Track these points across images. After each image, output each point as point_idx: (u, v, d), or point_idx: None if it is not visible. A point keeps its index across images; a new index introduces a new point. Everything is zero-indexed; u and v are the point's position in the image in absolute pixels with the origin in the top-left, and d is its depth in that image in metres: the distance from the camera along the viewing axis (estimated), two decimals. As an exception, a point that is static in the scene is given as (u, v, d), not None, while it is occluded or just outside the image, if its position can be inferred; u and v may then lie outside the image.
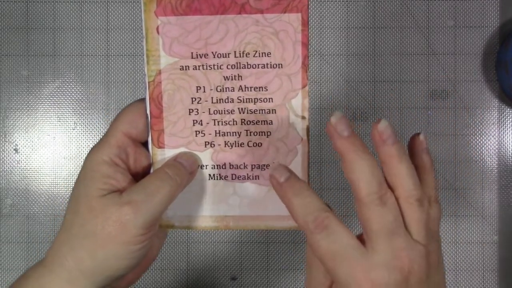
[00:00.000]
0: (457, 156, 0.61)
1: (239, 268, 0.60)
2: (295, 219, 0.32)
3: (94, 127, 0.60)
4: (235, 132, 0.34)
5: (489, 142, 0.61)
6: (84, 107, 0.61)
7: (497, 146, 0.60)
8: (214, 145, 0.35)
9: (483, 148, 0.61)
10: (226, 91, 0.34)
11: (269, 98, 0.34)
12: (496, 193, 0.60)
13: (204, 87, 0.34)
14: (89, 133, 0.60)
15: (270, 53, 0.33)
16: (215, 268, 0.60)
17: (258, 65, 0.34)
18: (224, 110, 0.34)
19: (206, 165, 0.35)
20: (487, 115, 0.61)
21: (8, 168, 0.60)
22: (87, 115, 0.61)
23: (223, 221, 0.35)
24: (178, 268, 0.60)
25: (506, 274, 0.60)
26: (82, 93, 0.61)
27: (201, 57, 0.33)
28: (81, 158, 0.60)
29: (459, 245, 0.60)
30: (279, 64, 0.34)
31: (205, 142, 0.34)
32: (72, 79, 0.61)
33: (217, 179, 0.35)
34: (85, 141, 0.60)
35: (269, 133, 0.34)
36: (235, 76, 0.34)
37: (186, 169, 0.34)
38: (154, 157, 0.35)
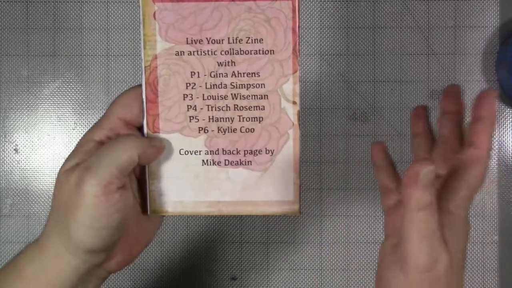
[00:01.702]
0: (457, 156, 0.60)
1: (239, 268, 0.60)
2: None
3: (94, 127, 0.61)
4: (228, 118, 0.35)
5: (489, 142, 0.60)
6: (84, 107, 0.61)
7: (497, 146, 0.60)
8: (207, 130, 0.35)
9: (483, 148, 0.60)
10: (219, 76, 0.34)
11: (261, 84, 0.35)
12: (496, 193, 0.60)
13: (198, 72, 0.34)
14: (89, 133, 0.60)
15: (262, 40, 0.34)
16: (215, 268, 0.60)
17: (251, 51, 0.34)
18: (218, 96, 0.35)
19: (199, 151, 0.35)
20: (487, 115, 0.61)
21: (8, 168, 0.60)
22: (87, 115, 0.61)
23: (216, 207, 0.36)
24: (178, 268, 0.60)
25: (506, 274, 0.60)
26: (82, 93, 0.61)
27: (195, 43, 0.34)
28: (81, 158, 0.60)
29: (459, 245, 0.60)
30: (271, 50, 0.34)
31: (199, 127, 0.35)
32: (72, 79, 0.61)
33: (210, 164, 0.35)
34: (85, 141, 0.60)
35: (261, 119, 0.35)
36: (228, 62, 0.34)
37: (143, 140, 0.34)
38: None
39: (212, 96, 0.35)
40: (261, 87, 0.35)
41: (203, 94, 0.35)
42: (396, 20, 0.61)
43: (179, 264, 0.60)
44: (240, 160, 0.35)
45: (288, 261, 0.60)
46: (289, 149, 0.35)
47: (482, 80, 0.61)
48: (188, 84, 0.35)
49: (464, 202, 0.35)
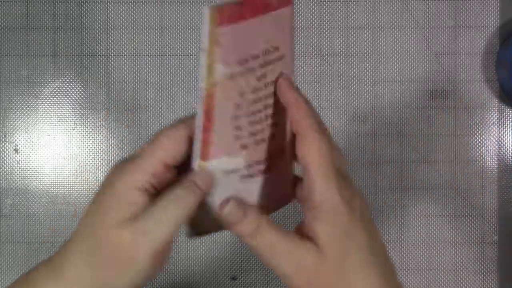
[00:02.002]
0: (457, 156, 0.61)
1: (239, 268, 0.60)
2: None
3: (94, 127, 0.60)
4: (261, 129, 0.35)
5: (489, 142, 0.61)
6: (84, 107, 0.61)
7: (497, 146, 0.60)
8: (247, 146, 0.34)
9: (483, 148, 0.61)
10: (258, 91, 0.34)
11: None
12: (496, 193, 0.60)
13: (244, 92, 0.33)
14: (89, 133, 0.60)
15: (279, 47, 0.34)
16: (215, 268, 0.60)
17: (273, 60, 0.34)
18: (256, 110, 0.34)
19: (240, 168, 0.34)
20: (487, 115, 0.61)
21: (8, 168, 0.60)
22: (87, 115, 0.61)
23: None
24: (178, 268, 0.60)
25: (506, 274, 0.60)
26: (82, 93, 0.61)
27: (244, 63, 0.33)
28: (81, 158, 0.60)
29: (459, 245, 0.60)
30: (284, 55, 0.35)
31: (241, 145, 0.34)
32: (72, 79, 0.61)
33: (247, 178, 0.35)
34: (85, 141, 0.60)
35: (277, 123, 0.35)
36: (263, 75, 0.34)
37: (201, 189, 0.33)
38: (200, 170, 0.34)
39: (253, 112, 0.34)
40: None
41: (246, 112, 0.34)
42: (396, 20, 0.61)
43: (179, 264, 0.60)
44: (266, 167, 0.36)
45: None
46: (290, 144, 0.36)
47: (482, 80, 0.61)
48: (237, 105, 0.33)
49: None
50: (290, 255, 0.32)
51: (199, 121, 0.32)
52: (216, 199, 0.34)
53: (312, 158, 0.32)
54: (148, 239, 0.31)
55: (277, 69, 0.34)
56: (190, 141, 0.33)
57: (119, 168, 0.33)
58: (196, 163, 0.33)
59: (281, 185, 0.37)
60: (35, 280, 0.34)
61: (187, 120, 0.33)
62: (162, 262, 0.33)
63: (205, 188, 0.33)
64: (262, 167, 0.36)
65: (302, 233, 0.33)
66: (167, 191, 0.33)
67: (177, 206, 0.32)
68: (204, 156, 0.33)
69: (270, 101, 0.35)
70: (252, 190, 0.36)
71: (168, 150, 0.33)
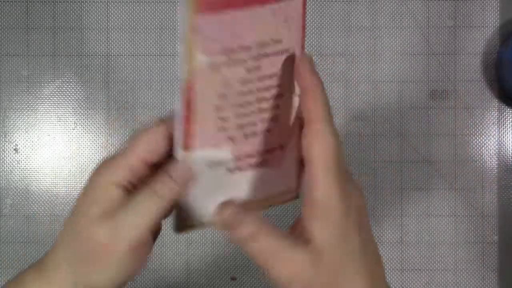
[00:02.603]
0: (457, 156, 0.61)
1: (239, 268, 0.60)
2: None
3: (94, 127, 0.60)
4: (252, 122, 0.34)
5: (489, 142, 0.61)
6: (84, 107, 0.61)
7: (497, 146, 0.60)
8: (234, 139, 0.34)
9: (483, 148, 0.61)
10: (247, 83, 0.33)
11: (279, 84, 0.34)
12: (496, 193, 0.60)
13: (230, 83, 0.32)
14: (89, 133, 0.60)
15: (282, 40, 0.33)
16: (215, 268, 0.60)
17: (273, 53, 0.33)
18: (245, 103, 0.33)
19: (226, 161, 0.34)
20: (487, 115, 0.61)
21: (8, 168, 0.60)
22: (87, 115, 0.61)
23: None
24: (178, 268, 0.60)
25: (506, 274, 0.60)
26: (82, 93, 0.61)
27: (229, 53, 0.32)
28: (81, 158, 0.60)
29: (459, 245, 0.60)
30: (287, 49, 0.34)
31: (228, 137, 0.33)
32: (72, 79, 0.61)
33: (234, 171, 0.34)
34: (85, 141, 0.60)
35: (276, 118, 0.34)
36: (255, 67, 0.33)
37: (177, 184, 0.33)
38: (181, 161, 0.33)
39: (241, 104, 0.33)
40: (279, 86, 0.34)
41: (233, 103, 0.33)
42: (396, 20, 0.61)
43: (179, 264, 0.60)
44: (259, 161, 0.35)
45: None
46: (292, 144, 0.35)
47: (482, 80, 0.60)
48: (220, 95, 0.32)
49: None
50: (288, 262, 0.31)
51: (179, 110, 0.32)
52: (198, 192, 0.34)
53: (318, 151, 0.31)
54: (124, 234, 0.31)
55: (279, 63, 0.33)
56: (169, 139, 0.33)
57: (101, 165, 0.33)
58: (179, 153, 0.33)
59: (284, 180, 0.36)
60: (24, 281, 0.35)
61: (167, 119, 0.33)
62: (142, 259, 0.33)
63: (181, 182, 0.33)
64: (253, 160, 0.35)
65: (298, 230, 0.33)
66: (143, 186, 0.33)
67: (151, 201, 0.32)
68: (186, 146, 0.32)
69: (267, 94, 0.34)
70: (241, 183, 0.35)
71: (146, 146, 0.33)
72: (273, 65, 0.33)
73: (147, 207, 0.32)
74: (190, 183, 0.33)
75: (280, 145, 0.35)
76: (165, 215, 0.34)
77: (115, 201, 0.32)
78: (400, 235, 0.60)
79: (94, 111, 0.60)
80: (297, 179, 0.36)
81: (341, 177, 0.32)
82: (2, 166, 0.60)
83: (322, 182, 0.31)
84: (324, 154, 0.31)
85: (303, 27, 0.34)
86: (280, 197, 0.36)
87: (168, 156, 0.34)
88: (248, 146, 0.34)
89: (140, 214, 0.32)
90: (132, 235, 0.32)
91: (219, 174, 0.34)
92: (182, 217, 0.35)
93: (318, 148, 0.31)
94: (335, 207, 0.31)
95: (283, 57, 0.34)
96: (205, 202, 0.34)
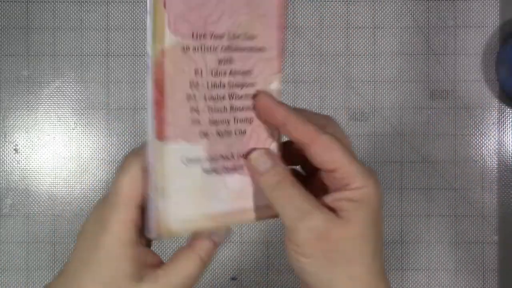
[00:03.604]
0: (457, 156, 0.61)
1: (239, 268, 0.60)
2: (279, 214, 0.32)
3: (94, 127, 0.60)
4: (225, 120, 0.32)
5: (489, 142, 0.61)
6: (84, 107, 0.61)
7: (497, 146, 0.60)
8: (208, 135, 0.32)
9: (483, 148, 0.61)
10: (219, 75, 0.32)
11: (253, 83, 0.33)
12: (496, 193, 0.60)
13: (201, 70, 0.31)
14: (89, 133, 0.60)
15: (256, 36, 0.32)
16: (215, 268, 0.60)
17: (245, 48, 0.32)
18: (217, 96, 0.32)
19: (200, 159, 0.32)
20: (487, 115, 0.61)
21: (8, 168, 0.60)
22: (87, 115, 0.61)
23: (219, 220, 0.34)
24: (178, 268, 0.60)
25: (506, 274, 0.60)
26: (82, 93, 0.61)
27: (200, 38, 0.31)
28: (81, 158, 0.60)
29: (459, 245, 0.60)
30: (262, 48, 0.33)
31: (200, 131, 0.32)
32: (72, 79, 0.61)
33: (210, 173, 0.32)
34: (85, 141, 0.60)
35: (251, 119, 0.33)
36: (227, 59, 0.32)
37: (216, 246, 0.35)
38: (156, 152, 0.31)
39: (213, 96, 0.32)
40: (253, 86, 0.33)
41: (205, 95, 0.31)
42: (396, 20, 0.61)
43: (179, 264, 0.60)
44: (234, 165, 0.33)
45: (287, 262, 0.60)
46: (274, 149, 0.34)
47: (482, 80, 0.60)
48: (191, 83, 0.31)
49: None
50: (306, 214, 0.31)
51: (149, 94, 0.30)
52: (175, 193, 0.32)
53: (338, 158, 0.32)
54: None
55: (253, 61, 0.32)
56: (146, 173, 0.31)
57: (100, 221, 0.32)
58: (152, 143, 0.31)
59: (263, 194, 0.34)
60: None
61: (137, 150, 0.32)
62: None
63: (219, 243, 0.36)
64: (229, 164, 0.33)
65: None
66: (189, 252, 0.35)
67: (199, 267, 0.35)
68: (160, 135, 0.31)
69: (239, 91, 0.32)
70: (219, 189, 0.33)
71: (136, 191, 0.31)
72: (246, 61, 0.32)
73: (193, 272, 0.35)
74: (166, 184, 0.32)
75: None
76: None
77: (136, 261, 0.33)
78: (400, 235, 0.60)
79: (94, 111, 0.60)
80: None
81: (370, 170, 0.32)
82: (2, 166, 0.60)
83: (360, 178, 0.31)
84: (347, 160, 0.32)
85: (281, 27, 0.33)
86: (265, 212, 0.34)
87: None
88: (222, 145, 0.33)
89: (187, 281, 0.34)
90: None
91: (195, 173, 0.32)
92: (158, 220, 0.32)
93: (335, 157, 0.32)
94: (373, 195, 0.31)
95: (257, 56, 0.33)
96: (186, 206, 0.33)
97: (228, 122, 0.33)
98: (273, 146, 0.34)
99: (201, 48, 0.31)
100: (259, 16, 0.32)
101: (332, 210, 0.31)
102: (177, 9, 0.30)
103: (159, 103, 0.30)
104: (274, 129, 0.33)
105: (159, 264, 0.35)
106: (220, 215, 0.33)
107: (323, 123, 0.34)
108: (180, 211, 0.32)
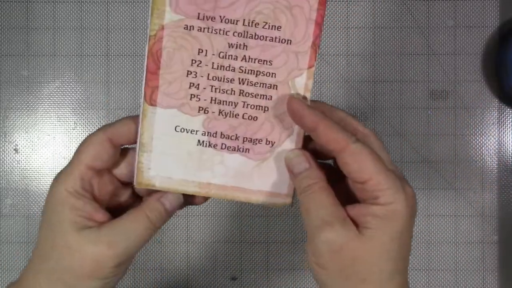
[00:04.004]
0: (457, 156, 0.61)
1: (239, 268, 0.60)
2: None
3: (94, 127, 0.60)
4: (232, 102, 0.34)
5: (489, 142, 0.61)
6: (84, 107, 0.61)
7: (497, 146, 0.60)
8: (207, 111, 0.34)
9: (483, 148, 0.61)
10: (229, 58, 0.33)
11: (272, 73, 0.33)
12: (496, 193, 0.60)
13: (206, 50, 0.33)
14: (89, 133, 0.60)
15: (281, 27, 0.32)
16: (215, 268, 0.60)
17: (266, 37, 0.33)
18: (224, 78, 0.33)
19: (196, 131, 0.34)
20: (487, 115, 0.61)
21: (8, 168, 0.60)
22: (87, 115, 0.61)
23: (205, 188, 0.35)
24: (178, 268, 0.60)
25: (506, 274, 0.60)
26: (82, 93, 0.61)
27: (207, 20, 0.32)
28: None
29: (459, 245, 0.60)
30: (288, 40, 0.33)
31: (199, 107, 0.34)
32: (72, 79, 0.61)
33: (205, 146, 0.34)
34: (85, 141, 0.60)
35: (266, 108, 0.34)
36: (240, 44, 0.33)
37: (167, 212, 0.34)
38: (144, 113, 0.34)
39: (218, 77, 0.33)
40: (272, 76, 0.33)
41: (209, 74, 0.33)
42: (396, 20, 0.61)
43: (179, 264, 0.60)
44: (238, 146, 0.34)
45: (288, 261, 0.60)
46: (291, 143, 0.34)
47: (482, 80, 0.60)
48: (193, 61, 0.33)
49: None
50: (326, 225, 0.31)
51: (145, 61, 0.33)
52: (165, 155, 0.34)
53: (368, 169, 0.31)
54: (116, 251, 0.32)
55: (275, 51, 0.33)
56: (111, 144, 0.34)
57: (55, 179, 0.35)
58: (142, 105, 0.34)
59: (271, 181, 0.35)
60: None
61: (106, 126, 0.35)
62: (124, 271, 0.34)
63: (171, 211, 0.35)
64: (231, 143, 0.34)
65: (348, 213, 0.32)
66: (136, 211, 0.34)
67: (146, 228, 0.33)
68: (149, 99, 0.34)
69: (252, 78, 0.33)
70: (215, 163, 0.35)
71: (94, 154, 0.34)
72: (266, 51, 0.33)
73: (141, 232, 0.33)
74: (151, 142, 0.34)
75: (268, 140, 0.35)
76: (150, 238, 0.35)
77: (80, 211, 0.33)
78: (400, 235, 0.60)
79: (94, 111, 0.60)
80: (289, 186, 0.35)
81: (403, 183, 0.31)
82: (2, 166, 0.60)
83: (388, 190, 0.30)
84: (379, 171, 0.31)
85: (318, 24, 0.33)
86: (267, 198, 0.35)
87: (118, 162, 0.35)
88: (224, 125, 0.34)
89: (136, 239, 0.33)
90: (122, 256, 0.33)
91: (188, 142, 0.34)
92: (143, 172, 0.35)
93: (367, 169, 0.31)
94: (401, 212, 0.31)
95: (281, 47, 0.33)
96: (172, 168, 0.35)
97: (235, 105, 0.34)
98: (291, 140, 0.34)
99: (207, 30, 0.32)
100: (284, 7, 0.32)
101: (355, 223, 0.31)
102: None
103: (153, 72, 0.33)
104: (293, 124, 0.34)
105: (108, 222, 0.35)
106: (213, 187, 0.35)
107: (358, 130, 0.33)
108: (163, 169, 0.35)
